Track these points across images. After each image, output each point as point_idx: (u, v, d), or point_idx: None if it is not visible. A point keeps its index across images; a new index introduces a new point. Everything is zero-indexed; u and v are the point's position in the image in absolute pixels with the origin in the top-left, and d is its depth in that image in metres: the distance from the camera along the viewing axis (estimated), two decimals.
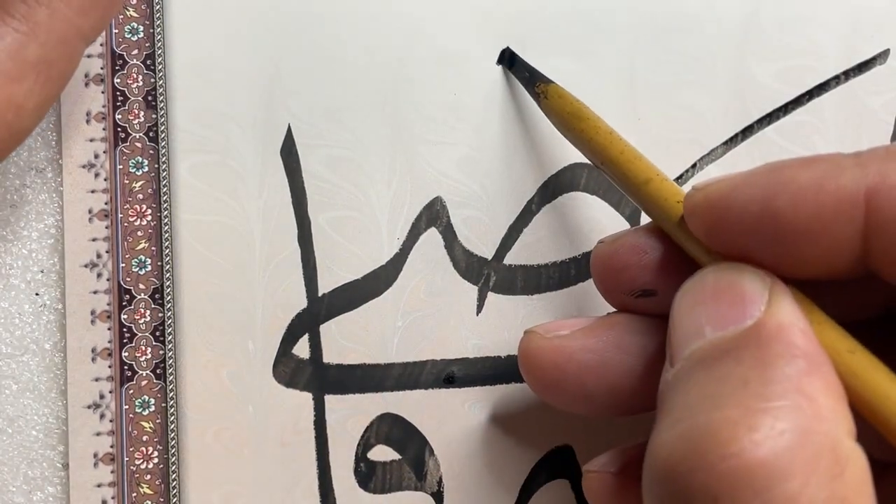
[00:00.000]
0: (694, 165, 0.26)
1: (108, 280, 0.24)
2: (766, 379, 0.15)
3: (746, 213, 0.17)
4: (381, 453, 0.24)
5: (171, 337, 0.24)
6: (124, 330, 0.24)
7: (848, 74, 0.27)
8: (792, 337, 0.16)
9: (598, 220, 0.26)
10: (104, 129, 0.24)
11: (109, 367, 0.23)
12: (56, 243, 0.24)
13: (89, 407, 0.23)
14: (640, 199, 0.21)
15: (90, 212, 0.24)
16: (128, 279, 0.24)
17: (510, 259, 0.25)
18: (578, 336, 0.21)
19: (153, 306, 0.24)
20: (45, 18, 0.19)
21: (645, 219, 0.26)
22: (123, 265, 0.24)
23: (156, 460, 0.23)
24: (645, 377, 0.20)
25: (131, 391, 0.23)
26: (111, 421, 0.23)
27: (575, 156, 0.26)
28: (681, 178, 0.26)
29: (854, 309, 0.19)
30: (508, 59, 0.26)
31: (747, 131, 0.27)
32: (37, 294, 0.23)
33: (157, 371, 0.24)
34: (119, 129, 0.24)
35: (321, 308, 0.24)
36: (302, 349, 0.24)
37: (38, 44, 0.19)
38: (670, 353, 0.18)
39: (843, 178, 0.17)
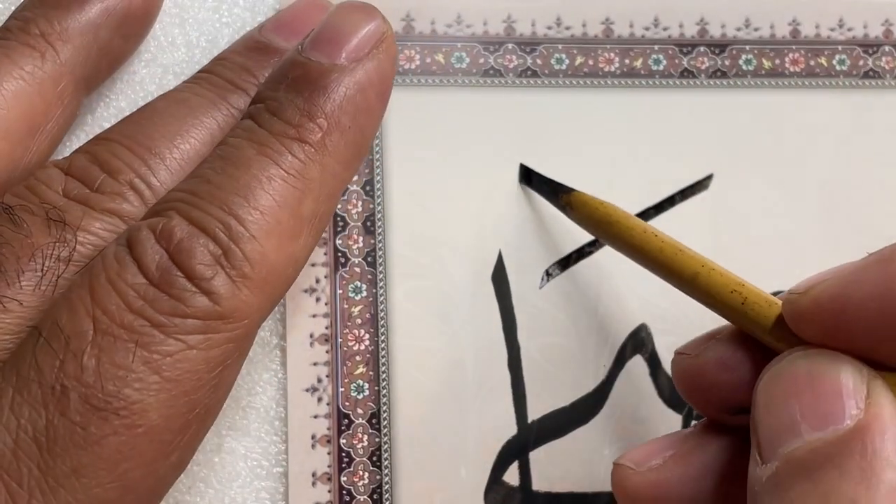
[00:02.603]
0: None
1: (327, 404, 0.24)
2: (873, 501, 0.15)
3: (864, 312, 0.17)
4: None
5: (387, 462, 0.24)
6: (343, 454, 0.24)
7: None
8: None
9: None
10: (325, 254, 0.25)
11: (329, 491, 0.24)
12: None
13: None
14: (693, 294, 0.21)
15: (311, 336, 0.24)
16: (346, 403, 0.24)
17: None
18: (673, 466, 0.20)
19: (370, 431, 0.24)
20: (317, 174, 0.20)
21: None
22: (342, 389, 0.24)
23: None
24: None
25: None
26: None
27: (776, 283, 0.26)
28: None
29: None
30: (525, 176, 0.26)
31: None
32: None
33: (374, 496, 0.24)
34: (339, 254, 0.25)
35: (531, 435, 0.25)
36: (512, 476, 0.25)
37: (312, 199, 0.20)
38: (759, 443, 0.17)
39: None
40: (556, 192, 0.25)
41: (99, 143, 0.21)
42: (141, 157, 0.20)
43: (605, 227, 0.23)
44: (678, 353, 0.21)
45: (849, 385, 0.16)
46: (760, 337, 0.19)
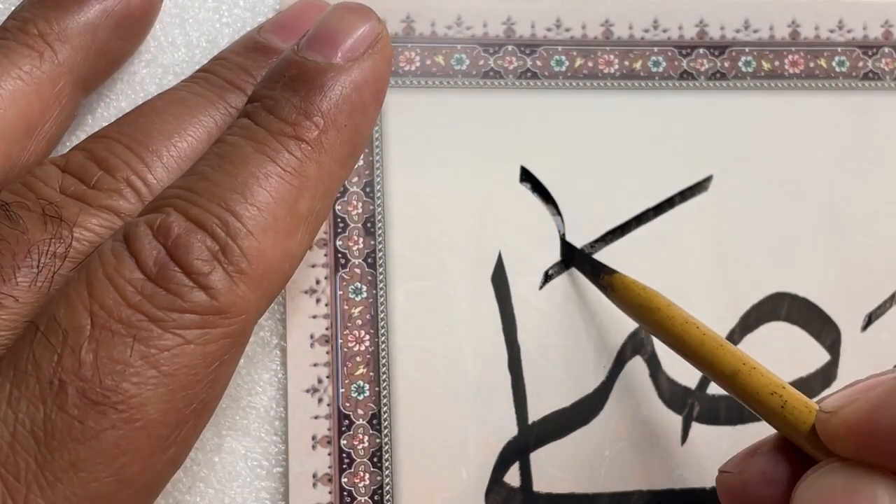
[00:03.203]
0: (893, 296, 0.27)
1: (328, 405, 0.24)
2: None
3: (894, 436, 0.17)
4: None
5: (388, 463, 0.24)
6: (343, 455, 0.24)
7: None
8: None
9: (799, 350, 0.26)
10: (325, 255, 0.25)
11: (330, 492, 0.24)
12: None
13: None
14: (732, 391, 0.21)
15: (311, 337, 0.24)
16: (347, 404, 0.24)
17: (713, 389, 0.26)
18: None
19: (371, 432, 0.24)
20: (314, 172, 0.20)
21: (845, 348, 0.26)
22: (343, 390, 0.24)
23: None
24: None
25: None
26: None
27: (777, 285, 0.26)
28: (880, 308, 0.26)
29: None
30: (567, 252, 0.25)
31: None
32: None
33: (375, 497, 0.24)
34: (339, 255, 0.25)
35: (531, 436, 0.25)
36: (513, 477, 0.25)
37: (309, 196, 0.20)
38: None
39: None
40: (597, 273, 0.24)
41: (96, 141, 0.21)
42: (138, 155, 0.20)
43: (645, 313, 0.23)
44: (721, 472, 0.21)
45: (885, 501, 0.17)
46: (799, 442, 0.20)
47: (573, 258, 0.25)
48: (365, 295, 0.25)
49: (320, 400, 0.24)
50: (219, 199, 0.19)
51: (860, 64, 0.27)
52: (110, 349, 0.17)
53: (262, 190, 0.19)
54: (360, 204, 0.25)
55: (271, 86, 0.20)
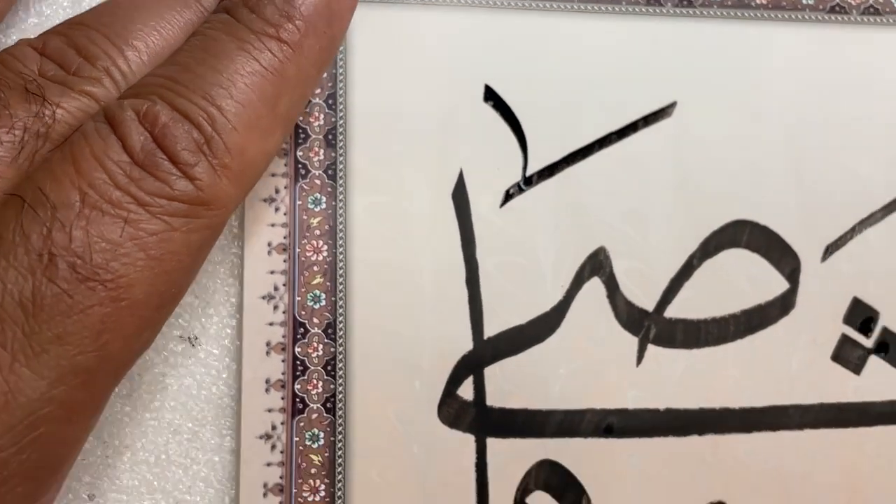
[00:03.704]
0: (853, 228, 0.27)
1: (283, 313, 0.24)
2: None
3: None
4: (539, 499, 0.24)
5: (341, 372, 0.24)
6: (297, 363, 0.24)
7: None
8: None
9: (758, 277, 0.26)
10: (286, 165, 0.25)
11: (282, 398, 0.24)
12: None
13: (261, 437, 0.24)
14: None
15: (269, 245, 0.24)
16: (303, 313, 0.24)
17: (671, 312, 0.26)
18: None
19: (326, 340, 0.24)
20: (293, 75, 0.20)
21: (804, 277, 0.26)
22: (299, 299, 0.24)
23: (323, 494, 0.24)
24: None
25: (302, 424, 0.24)
26: (282, 452, 0.24)
27: (738, 212, 0.26)
28: (840, 240, 0.26)
29: None
30: None
31: None
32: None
33: (327, 405, 0.24)
34: (300, 166, 0.25)
35: (486, 351, 0.25)
36: (466, 391, 0.25)
37: (288, 98, 0.20)
38: None
39: None
40: None
41: (75, 28, 0.21)
42: (118, 47, 0.21)
43: None
44: None
45: None
46: None
47: None
48: (324, 206, 0.25)
49: (276, 307, 0.24)
50: (204, 92, 0.19)
51: None
52: (101, 228, 0.17)
53: (246, 87, 0.19)
54: (322, 116, 0.25)
55: None
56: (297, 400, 0.24)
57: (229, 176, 0.19)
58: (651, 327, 0.25)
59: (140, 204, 0.18)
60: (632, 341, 0.25)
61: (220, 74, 0.19)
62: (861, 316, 0.26)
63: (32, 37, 0.21)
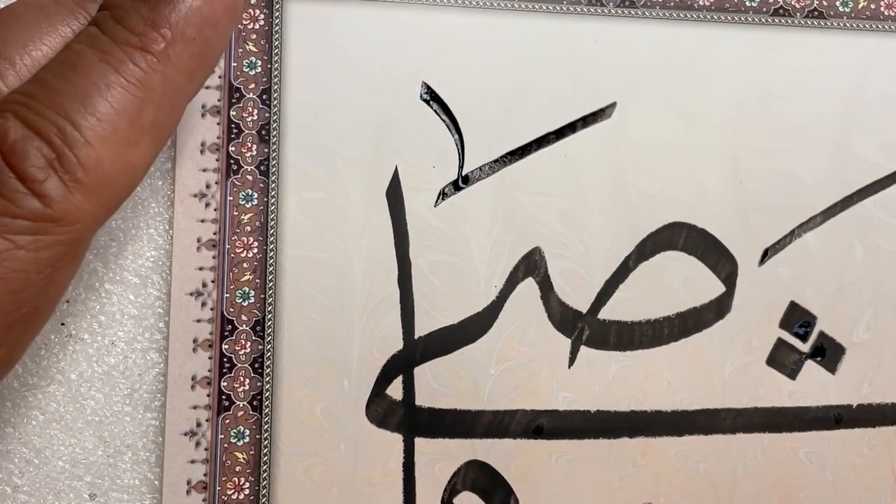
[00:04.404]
0: (792, 232, 0.27)
1: (211, 309, 0.24)
2: None
3: None
4: (467, 500, 0.24)
5: (269, 370, 0.24)
6: (224, 360, 0.24)
7: None
8: None
9: (694, 280, 0.26)
10: (217, 161, 0.25)
11: (208, 395, 0.24)
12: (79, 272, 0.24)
13: (186, 434, 0.23)
14: None
15: (199, 241, 0.24)
16: (231, 310, 0.24)
17: (604, 314, 0.25)
18: None
19: (254, 338, 0.24)
20: (158, 84, 0.20)
21: (741, 281, 0.26)
22: (227, 295, 0.24)
23: (247, 492, 0.23)
24: None
25: (227, 421, 0.24)
26: (206, 449, 0.23)
27: (675, 215, 0.26)
28: (779, 244, 0.26)
29: None
30: None
31: (847, 201, 0.27)
32: (62, 324, 0.24)
33: (254, 403, 0.24)
34: (232, 161, 0.25)
35: (416, 351, 0.25)
36: (395, 390, 0.24)
37: (153, 108, 0.19)
38: None
39: None
40: None
41: None
42: None
43: None
44: None
45: None
46: None
47: None
48: (256, 202, 0.25)
49: (203, 304, 0.24)
50: (58, 106, 0.19)
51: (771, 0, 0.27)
52: None
53: (102, 100, 0.19)
54: (255, 111, 0.25)
55: None
56: (224, 397, 0.24)
57: (83, 191, 0.19)
58: (584, 329, 0.25)
59: None
60: (565, 343, 0.25)
61: (76, 88, 0.19)
62: (798, 320, 0.26)
63: None
